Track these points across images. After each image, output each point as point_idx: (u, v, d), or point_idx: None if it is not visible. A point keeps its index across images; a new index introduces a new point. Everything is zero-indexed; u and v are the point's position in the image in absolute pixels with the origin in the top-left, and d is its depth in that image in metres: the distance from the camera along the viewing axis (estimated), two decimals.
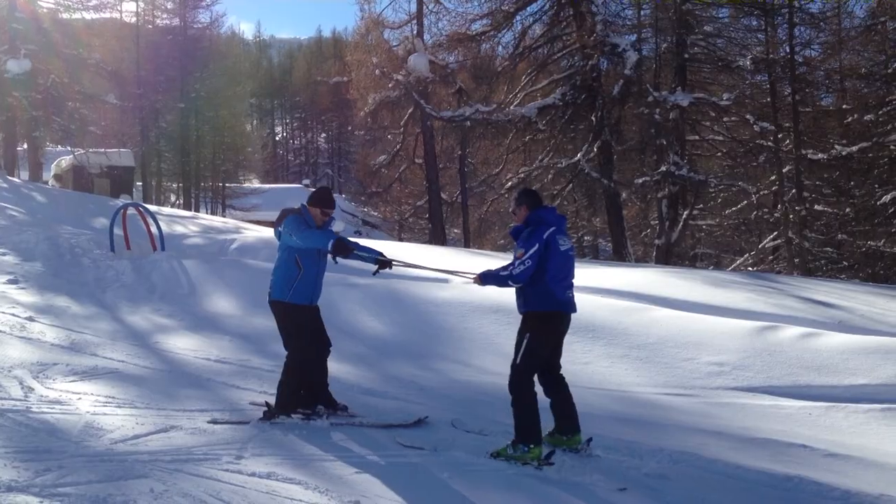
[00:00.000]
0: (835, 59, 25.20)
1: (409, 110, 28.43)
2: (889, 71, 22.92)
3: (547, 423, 5.95)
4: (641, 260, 26.93)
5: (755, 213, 26.09)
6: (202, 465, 5.09)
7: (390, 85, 27.52)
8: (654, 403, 7.79)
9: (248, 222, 27.83)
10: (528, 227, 5.95)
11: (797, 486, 5.51)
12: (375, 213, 41.86)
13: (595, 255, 36.01)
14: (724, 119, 23.75)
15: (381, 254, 6.57)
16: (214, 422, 6.15)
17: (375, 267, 6.56)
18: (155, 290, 11.90)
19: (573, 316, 6.10)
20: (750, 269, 25.24)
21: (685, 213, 23.45)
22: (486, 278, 6.06)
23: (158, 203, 37.63)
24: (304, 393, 6.48)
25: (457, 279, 11.02)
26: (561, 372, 6.12)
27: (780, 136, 23.64)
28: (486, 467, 5.54)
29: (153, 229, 14.59)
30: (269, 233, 20.79)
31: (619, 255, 23.92)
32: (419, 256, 15.31)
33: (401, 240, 35.68)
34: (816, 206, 25.44)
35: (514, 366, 5.85)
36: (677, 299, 11.19)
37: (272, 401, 6.46)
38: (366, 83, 29.26)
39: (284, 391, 6.36)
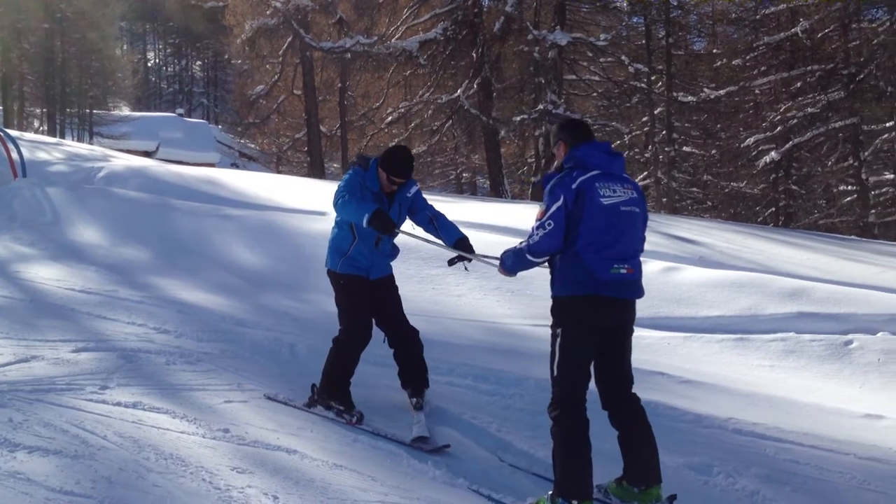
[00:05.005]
0: (707, 3, 25.88)
1: (288, 39, 27.72)
2: (757, 17, 23.70)
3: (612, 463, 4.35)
4: (518, 197, 27.37)
5: (627, 152, 26.84)
6: (65, 395, 4.97)
7: (268, 12, 26.79)
8: (524, 334, 8.00)
9: (118, 151, 26.80)
10: (561, 172, 4.23)
11: (654, 411, 5.75)
12: (253, 145, 40.94)
13: (473, 192, 36.37)
14: (601, 60, 24.14)
15: (461, 237, 5.35)
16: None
17: (454, 254, 5.33)
18: (15, 218, 11.38)
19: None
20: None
21: None
22: (506, 263, 4.47)
23: (20, 128, 35.67)
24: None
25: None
26: (633, 392, 4.31)
27: (653, 78, 24.28)
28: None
29: (14, 155, 13.91)
30: (139, 161, 20.11)
31: (496, 192, 24.24)
32: (298, 189, 15.18)
33: (279, 172, 35.08)
34: (685, 148, 26.38)
35: (551, 380, 4.23)
36: None
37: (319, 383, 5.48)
38: (243, 9, 28.41)
39: (326, 376, 5.36)
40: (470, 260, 5.30)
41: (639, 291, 4.21)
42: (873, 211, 23.86)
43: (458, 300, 8.93)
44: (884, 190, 24.30)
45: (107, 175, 14.94)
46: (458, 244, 5.29)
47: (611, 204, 4.07)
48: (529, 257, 4.23)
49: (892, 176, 22.96)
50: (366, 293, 5.36)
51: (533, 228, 4.16)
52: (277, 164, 39.50)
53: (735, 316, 8.24)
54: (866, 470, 4.94)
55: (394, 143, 28.12)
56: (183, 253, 10.39)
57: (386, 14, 26.23)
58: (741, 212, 26.52)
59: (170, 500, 3.74)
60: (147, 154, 39.71)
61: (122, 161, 18.38)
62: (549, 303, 8.86)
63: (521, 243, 4.31)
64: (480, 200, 18.52)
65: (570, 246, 4.08)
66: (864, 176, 23.16)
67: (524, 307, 8.78)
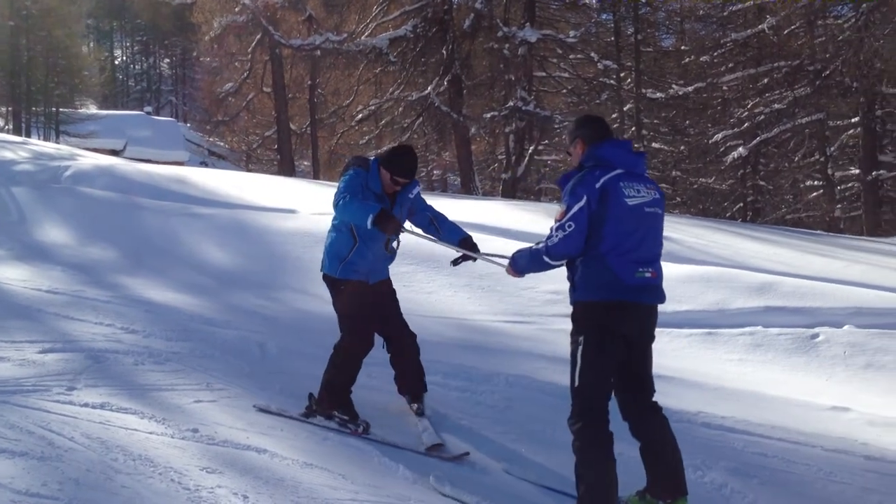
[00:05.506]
0: (675, 0, 26.09)
1: (257, 37, 27.63)
2: (725, 14, 23.89)
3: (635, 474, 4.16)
4: (489, 194, 27.41)
5: (565, 150, 26.98)
6: (31, 397, 4.91)
7: (237, 9, 26.66)
8: (494, 330, 8.03)
9: (85, 149, 26.54)
10: (580, 171, 4.01)
11: None
12: (222, 143, 40.73)
13: (444, 189, 36.39)
14: (570, 56, 24.23)
15: (465, 237, 5.19)
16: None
17: (458, 254, 5.16)
18: None
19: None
20: None
21: (531, 148, 23.93)
22: (518, 263, 4.25)
23: None
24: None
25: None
26: (654, 400, 4.14)
27: (622, 74, 24.40)
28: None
29: None
30: (107, 160, 19.91)
31: (467, 189, 24.24)
32: (268, 187, 15.10)
33: (248, 171, 34.90)
34: (654, 144, 26.54)
35: (571, 390, 3.98)
36: (521, 231, 11.51)
37: (318, 392, 5.22)
38: (211, 6, 28.25)
39: (326, 385, 5.13)
40: (475, 260, 5.14)
41: (661, 296, 4.04)
42: (839, 206, 24.21)
43: (428, 297, 8.93)
44: (849, 185, 24.65)
45: (74, 174, 14.77)
46: (463, 244, 5.11)
47: (635, 205, 3.88)
48: (546, 259, 3.98)
49: (857, 171, 23.26)
50: (366, 298, 5.17)
51: (552, 229, 3.92)
52: (247, 162, 39.30)
53: (703, 310, 8.32)
54: (832, 462, 5.01)
55: (364, 141, 28.13)
56: (151, 252, 10.32)
57: (355, 11, 26.13)
58: (709, 207, 26.78)
59: (138, 501, 3.71)
60: (115, 153, 39.35)
61: (90, 160, 18.19)
62: (520, 299, 8.94)
63: (537, 244, 4.06)
64: (451, 198, 18.50)
65: (593, 248, 3.86)
66: (830, 171, 23.48)
67: (494, 304, 8.81)
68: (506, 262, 4.39)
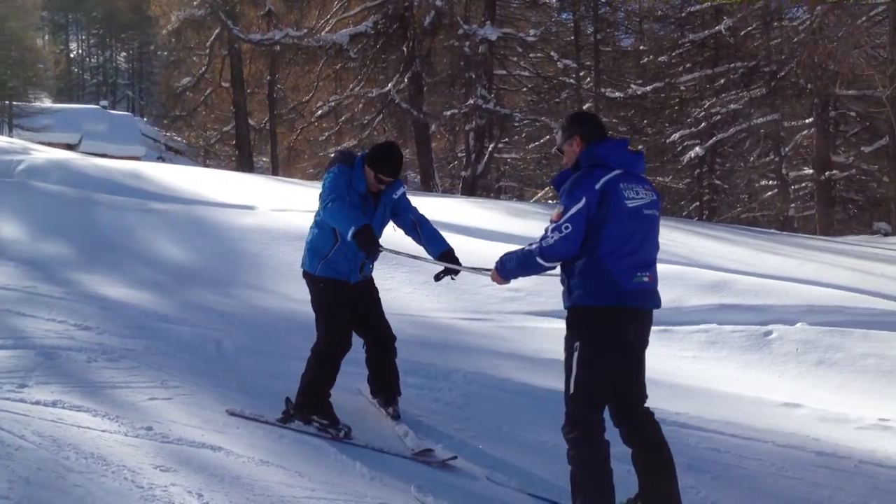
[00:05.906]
0: (634, 1, 26.31)
1: (216, 31, 27.33)
2: (683, 15, 24.16)
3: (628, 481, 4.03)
4: (448, 191, 27.46)
5: (556, 147, 27.09)
6: None
7: (195, 3, 26.37)
8: (453, 328, 8.04)
9: (39, 143, 26.09)
10: (577, 171, 3.87)
11: None
12: (179, 138, 40.27)
13: None
14: (531, 55, 24.36)
15: (447, 249, 5.04)
16: None
17: (439, 269, 5.02)
18: None
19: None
20: (550, 201, 26.28)
21: (491, 146, 24.00)
22: (505, 267, 4.04)
23: None
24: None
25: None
26: (647, 406, 4.03)
27: (581, 73, 24.56)
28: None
29: None
30: (61, 154, 19.58)
31: (427, 186, 24.26)
32: (225, 183, 14.98)
33: (206, 166, 34.56)
34: None
35: (566, 397, 3.84)
36: (480, 228, 11.54)
37: (295, 397, 5.10)
38: None
39: (304, 388, 5.00)
40: (457, 272, 4.96)
41: (657, 301, 3.95)
42: (793, 205, 24.61)
43: (387, 294, 8.79)
44: (803, 185, 25.08)
45: (27, 168, 14.51)
46: (444, 257, 4.96)
47: (635, 207, 3.75)
48: (539, 261, 3.82)
49: (810, 171, 23.65)
50: (346, 298, 5.06)
51: (547, 230, 3.77)
52: (205, 157, 38.89)
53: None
54: (784, 457, 5.09)
55: (324, 138, 27.99)
56: (106, 248, 10.18)
57: (316, 7, 26.01)
58: (667, 206, 26.99)
59: (90, 499, 3.65)
60: (69, 147, 38.68)
61: (43, 154, 17.87)
62: (478, 296, 8.96)
63: (530, 245, 3.87)
64: (411, 195, 18.50)
65: (591, 251, 3.72)
66: (784, 171, 23.85)
67: (452, 301, 8.82)
68: (490, 271, 4.21)
